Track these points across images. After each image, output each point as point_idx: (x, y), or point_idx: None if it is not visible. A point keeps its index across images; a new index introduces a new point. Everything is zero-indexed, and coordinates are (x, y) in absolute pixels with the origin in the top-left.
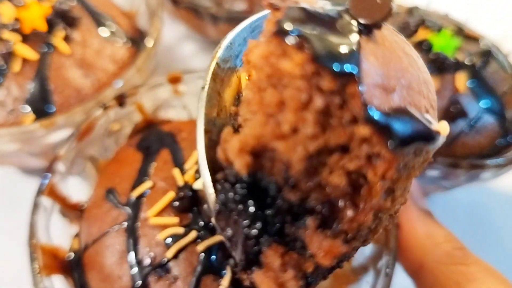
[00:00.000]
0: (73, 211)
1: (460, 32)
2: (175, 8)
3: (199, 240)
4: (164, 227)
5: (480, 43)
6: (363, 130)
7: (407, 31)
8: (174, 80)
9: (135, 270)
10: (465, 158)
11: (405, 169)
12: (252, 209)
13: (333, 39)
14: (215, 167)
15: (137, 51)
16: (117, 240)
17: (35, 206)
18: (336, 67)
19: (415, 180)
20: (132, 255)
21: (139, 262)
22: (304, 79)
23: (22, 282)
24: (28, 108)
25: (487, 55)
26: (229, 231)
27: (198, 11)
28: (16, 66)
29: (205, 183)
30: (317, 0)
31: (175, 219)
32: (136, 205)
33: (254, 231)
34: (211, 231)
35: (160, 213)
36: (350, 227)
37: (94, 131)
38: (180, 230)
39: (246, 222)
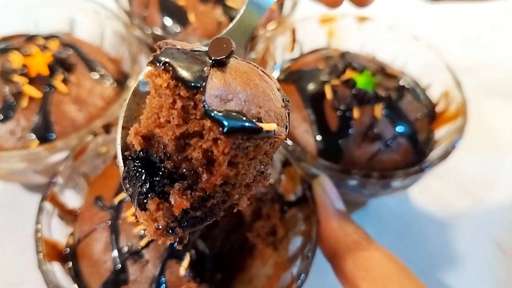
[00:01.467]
0: (68, 215)
1: (382, 71)
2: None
3: None
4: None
5: (399, 80)
6: (207, 123)
7: (337, 71)
8: None
9: (116, 256)
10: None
11: (240, 149)
12: (143, 175)
13: (191, 66)
14: (126, 150)
15: (121, 90)
16: (103, 235)
17: (40, 208)
18: (188, 83)
19: (335, 187)
20: (114, 245)
21: (119, 250)
22: (169, 89)
23: (29, 271)
24: (33, 136)
25: (402, 89)
26: (130, 190)
27: None
28: (24, 102)
29: (118, 160)
30: (190, 44)
31: None
32: (118, 208)
33: (143, 190)
34: None
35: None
36: (207, 186)
37: (86, 153)
38: None
39: (139, 184)
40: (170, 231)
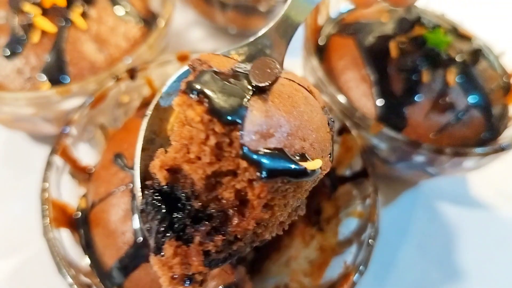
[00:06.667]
0: (81, 173)
1: (454, 31)
2: None
3: None
4: None
5: (472, 43)
6: (243, 162)
7: (404, 27)
8: (183, 58)
9: (138, 227)
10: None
11: (278, 192)
12: (163, 212)
13: (228, 98)
14: (146, 176)
15: (149, 31)
16: (123, 200)
17: (48, 163)
18: (224, 118)
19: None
20: (135, 213)
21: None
22: (202, 124)
23: (33, 236)
24: (44, 77)
25: (478, 54)
26: (148, 225)
27: None
28: (35, 37)
29: (135, 188)
30: (228, 64)
31: None
32: None
33: (162, 229)
34: None
35: None
36: (238, 230)
37: (106, 101)
38: None
39: (157, 221)
40: (188, 281)
